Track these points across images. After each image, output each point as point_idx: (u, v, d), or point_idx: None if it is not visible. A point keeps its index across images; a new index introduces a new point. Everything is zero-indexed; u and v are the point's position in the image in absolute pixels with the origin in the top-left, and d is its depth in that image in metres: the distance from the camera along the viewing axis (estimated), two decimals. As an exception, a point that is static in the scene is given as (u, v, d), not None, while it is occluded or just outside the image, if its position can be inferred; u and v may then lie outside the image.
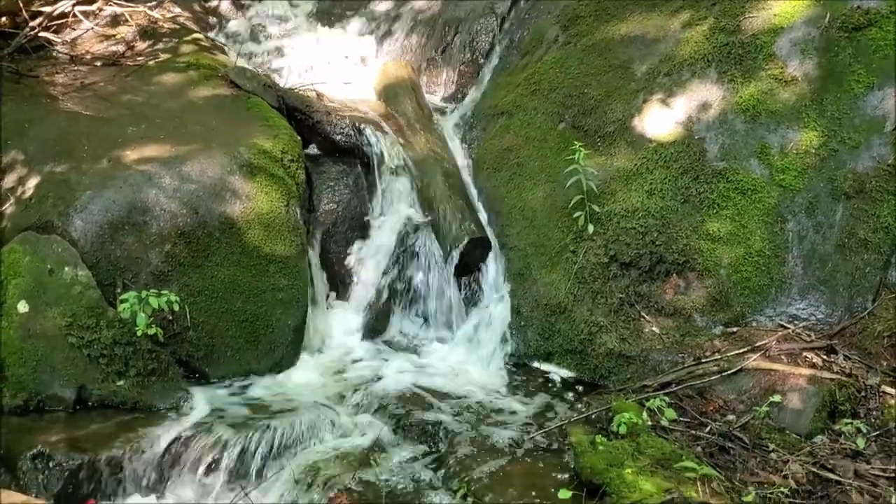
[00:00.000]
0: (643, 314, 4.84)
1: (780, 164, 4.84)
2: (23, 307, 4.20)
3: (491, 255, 5.43)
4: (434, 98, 6.71)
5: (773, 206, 4.78)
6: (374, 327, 5.31)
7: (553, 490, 3.55)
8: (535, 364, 5.09)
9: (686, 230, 4.84)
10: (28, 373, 4.13)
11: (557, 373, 5.00)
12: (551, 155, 5.48)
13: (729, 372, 4.31)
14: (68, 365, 4.19)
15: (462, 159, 5.97)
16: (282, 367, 4.84)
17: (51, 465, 3.74)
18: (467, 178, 5.81)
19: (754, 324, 4.64)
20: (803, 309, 4.61)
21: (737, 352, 4.42)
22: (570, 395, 4.75)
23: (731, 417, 4.14)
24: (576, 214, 5.05)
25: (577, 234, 5.07)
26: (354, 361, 5.04)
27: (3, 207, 4.73)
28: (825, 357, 4.32)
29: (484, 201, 5.65)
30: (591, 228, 4.99)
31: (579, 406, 4.52)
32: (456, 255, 5.30)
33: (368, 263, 5.49)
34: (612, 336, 4.83)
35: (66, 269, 4.30)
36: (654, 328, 4.78)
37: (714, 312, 4.71)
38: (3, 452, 3.85)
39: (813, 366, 4.25)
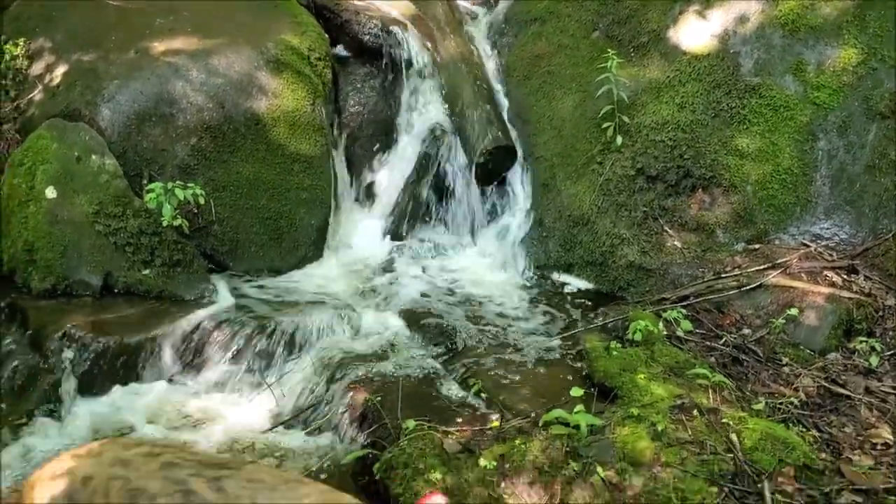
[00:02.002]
0: (666, 228, 4.83)
1: (815, 81, 4.73)
2: (51, 193, 4.25)
3: (516, 164, 5.41)
4: (465, 2, 6.57)
5: (804, 123, 4.69)
6: (397, 231, 5.35)
7: (565, 392, 3.60)
8: (555, 275, 5.12)
9: (715, 145, 4.78)
10: (56, 257, 4.22)
11: (576, 284, 5.03)
12: (583, 64, 5.39)
13: (748, 287, 4.32)
14: (95, 252, 4.26)
15: (491, 65, 5.89)
16: (304, 265, 4.90)
17: (78, 346, 3.84)
18: (496, 84, 5.74)
19: (777, 241, 4.62)
20: (827, 228, 4.58)
21: (757, 268, 4.42)
22: (588, 305, 4.78)
23: (746, 331, 4.17)
24: (605, 125, 5.00)
25: (605, 146, 5.03)
26: (376, 263, 5.11)
27: (32, 94, 4.75)
28: (846, 277, 4.31)
29: (512, 109, 5.59)
30: (619, 140, 4.94)
31: (596, 316, 4.55)
32: (481, 161, 5.28)
33: (393, 167, 5.50)
34: (634, 249, 4.83)
35: (94, 157, 4.34)
36: (675, 242, 4.77)
37: (737, 229, 4.69)
38: (31, 333, 3.96)
39: (832, 284, 4.24)
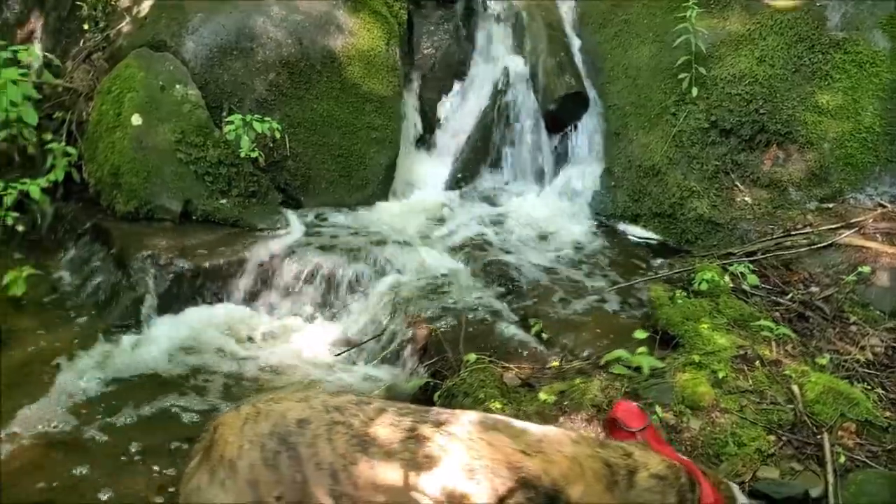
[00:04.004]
0: (737, 183, 4.77)
1: (905, 37, 4.58)
2: (136, 120, 4.41)
3: (588, 112, 5.37)
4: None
5: (891, 81, 4.55)
6: (464, 175, 5.39)
7: (625, 339, 3.62)
8: (622, 225, 5.11)
9: (793, 100, 4.68)
10: (140, 182, 4.38)
11: (643, 234, 5.01)
12: (661, 14, 5.30)
13: (818, 245, 4.26)
14: (176, 179, 4.42)
15: (567, 12, 5.80)
16: (371, 203, 5.00)
17: (159, 266, 4.02)
18: (571, 31, 5.67)
19: (852, 201, 4.53)
20: (907, 190, 4.48)
21: (829, 227, 4.35)
22: (654, 256, 4.77)
23: (814, 289, 4.12)
24: (680, 76, 4.93)
25: (680, 97, 4.96)
26: (441, 205, 5.16)
27: (120, 25, 4.89)
28: (923, 239, 4.21)
29: (586, 56, 5.54)
30: (695, 91, 4.87)
31: (662, 267, 4.55)
32: (552, 108, 5.26)
33: (463, 112, 5.52)
34: (704, 202, 4.79)
35: (178, 86, 4.47)
36: (746, 198, 4.72)
37: (811, 187, 4.61)
38: (115, 253, 4.16)
39: (908, 246, 4.16)
